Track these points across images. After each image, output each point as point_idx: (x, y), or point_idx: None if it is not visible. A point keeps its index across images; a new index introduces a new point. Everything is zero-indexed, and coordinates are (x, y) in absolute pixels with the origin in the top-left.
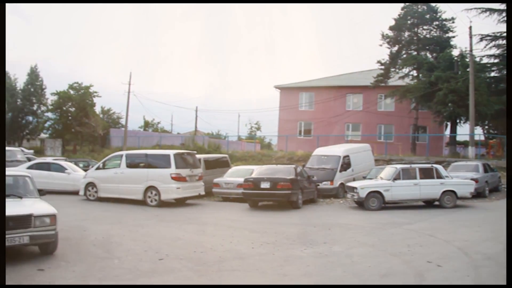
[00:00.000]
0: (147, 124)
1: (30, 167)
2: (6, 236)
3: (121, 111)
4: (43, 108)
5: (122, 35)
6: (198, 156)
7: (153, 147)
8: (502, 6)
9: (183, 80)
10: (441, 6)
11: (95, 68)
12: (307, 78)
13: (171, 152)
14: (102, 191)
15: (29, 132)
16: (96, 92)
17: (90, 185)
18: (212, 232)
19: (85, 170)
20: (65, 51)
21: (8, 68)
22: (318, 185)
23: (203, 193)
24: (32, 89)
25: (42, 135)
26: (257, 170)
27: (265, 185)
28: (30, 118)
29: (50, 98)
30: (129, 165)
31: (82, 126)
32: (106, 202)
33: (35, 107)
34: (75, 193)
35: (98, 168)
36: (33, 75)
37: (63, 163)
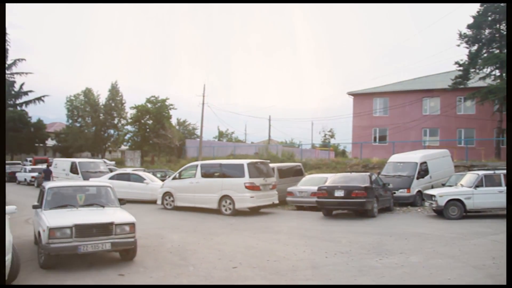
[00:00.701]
0: (221, 134)
1: (111, 178)
2: (91, 242)
3: (196, 122)
4: (123, 121)
5: (195, 49)
6: (271, 165)
7: (227, 157)
8: None
9: (256, 90)
10: None
11: (170, 81)
12: (381, 83)
13: (245, 162)
14: (178, 200)
15: (111, 144)
16: (172, 105)
17: (167, 194)
18: (286, 241)
19: (163, 180)
20: (142, 67)
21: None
22: (394, 193)
23: (276, 201)
24: (113, 104)
25: (123, 147)
26: (331, 178)
27: (339, 193)
28: (112, 131)
29: (130, 112)
30: (204, 175)
31: (159, 138)
32: (182, 211)
33: (116, 121)
34: (153, 202)
35: (174, 178)
36: (114, 91)
37: (142, 173)
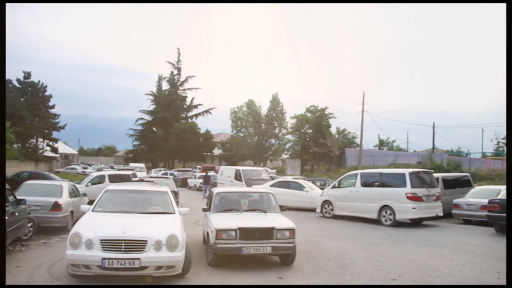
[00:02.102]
0: (381, 143)
1: (273, 185)
2: (253, 245)
3: (355, 131)
4: (283, 131)
5: (354, 59)
6: (435, 174)
7: (388, 166)
8: None
9: (418, 96)
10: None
11: (330, 91)
12: None
13: (407, 171)
14: (337, 209)
15: (272, 153)
16: (331, 114)
17: (326, 203)
18: (450, 256)
19: (322, 189)
20: (301, 79)
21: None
22: None
23: (441, 214)
24: (274, 114)
25: (283, 156)
26: (504, 191)
27: None
28: (273, 140)
29: (290, 122)
30: (364, 184)
31: (319, 147)
32: (340, 219)
33: (277, 131)
34: (312, 210)
35: (334, 187)
36: (275, 102)
37: (302, 181)
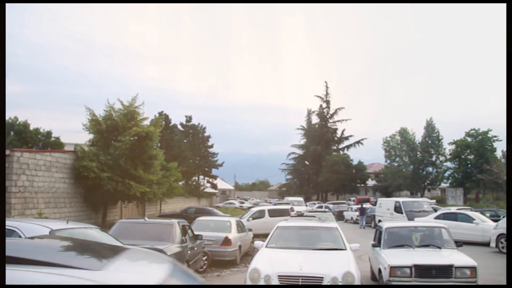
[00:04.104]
0: None
1: (437, 217)
2: (430, 283)
3: None
4: (441, 158)
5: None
6: None
7: None
8: None
9: None
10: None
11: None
12: None
13: None
14: None
15: (430, 182)
16: (496, 136)
17: (502, 236)
18: None
19: (493, 220)
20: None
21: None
22: None
23: None
24: (429, 141)
25: (442, 185)
26: None
27: None
28: (430, 169)
29: (448, 148)
30: None
31: (483, 173)
32: None
33: (433, 158)
34: (484, 244)
35: None
36: (429, 128)
37: (470, 213)
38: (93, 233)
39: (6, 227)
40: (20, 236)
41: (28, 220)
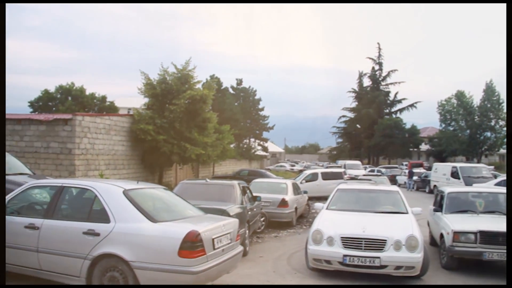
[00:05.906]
0: None
1: (497, 184)
2: (497, 251)
3: None
4: (501, 122)
5: None
6: None
7: None
8: None
9: None
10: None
11: None
12: None
13: None
14: None
15: (488, 148)
16: None
17: None
18: None
19: None
20: None
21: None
22: None
23: None
24: (488, 105)
25: (501, 151)
26: None
27: None
28: (488, 133)
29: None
30: None
31: None
32: None
33: (493, 123)
34: None
35: None
36: (489, 91)
37: None
38: (162, 193)
39: (83, 186)
40: (95, 195)
41: (102, 181)
